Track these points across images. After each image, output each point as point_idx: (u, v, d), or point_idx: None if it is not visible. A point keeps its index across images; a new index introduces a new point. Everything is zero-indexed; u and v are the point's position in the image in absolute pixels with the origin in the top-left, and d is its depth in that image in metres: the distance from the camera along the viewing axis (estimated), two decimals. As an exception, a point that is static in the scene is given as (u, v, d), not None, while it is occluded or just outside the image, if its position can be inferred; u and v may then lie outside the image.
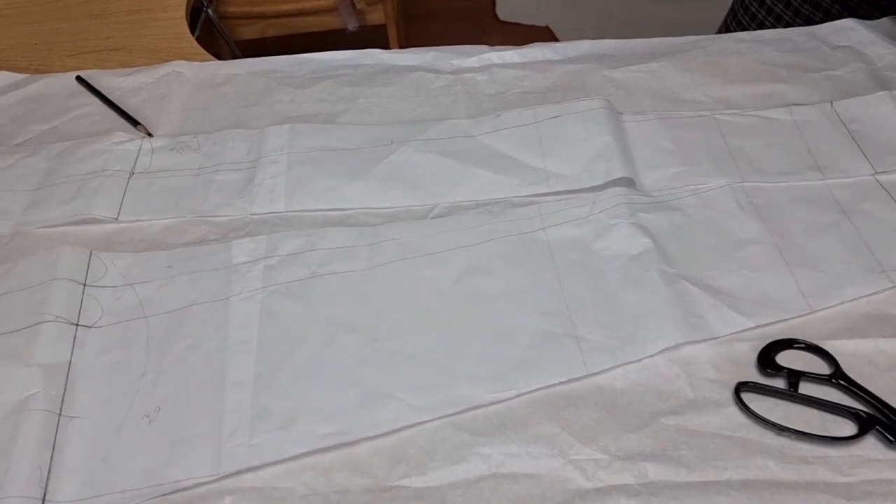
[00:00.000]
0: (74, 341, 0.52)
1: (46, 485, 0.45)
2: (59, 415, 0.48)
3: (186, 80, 0.72)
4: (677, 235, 0.56)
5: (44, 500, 0.45)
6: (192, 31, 0.81)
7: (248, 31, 1.39)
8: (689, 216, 0.57)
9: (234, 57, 0.76)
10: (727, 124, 0.64)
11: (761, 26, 0.86)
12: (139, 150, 0.65)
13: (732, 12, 0.92)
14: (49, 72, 0.74)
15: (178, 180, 0.62)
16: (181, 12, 0.81)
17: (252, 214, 0.60)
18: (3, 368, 0.49)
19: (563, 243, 0.56)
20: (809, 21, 0.82)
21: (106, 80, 0.72)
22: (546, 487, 0.45)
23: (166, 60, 0.74)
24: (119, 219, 0.60)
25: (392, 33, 1.44)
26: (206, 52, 0.77)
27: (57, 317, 0.52)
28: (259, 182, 0.62)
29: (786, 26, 0.83)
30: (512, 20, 1.84)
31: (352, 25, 1.36)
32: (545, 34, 1.75)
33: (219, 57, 0.73)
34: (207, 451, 0.47)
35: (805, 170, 0.60)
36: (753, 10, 0.88)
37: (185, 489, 0.46)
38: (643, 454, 0.46)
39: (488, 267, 0.55)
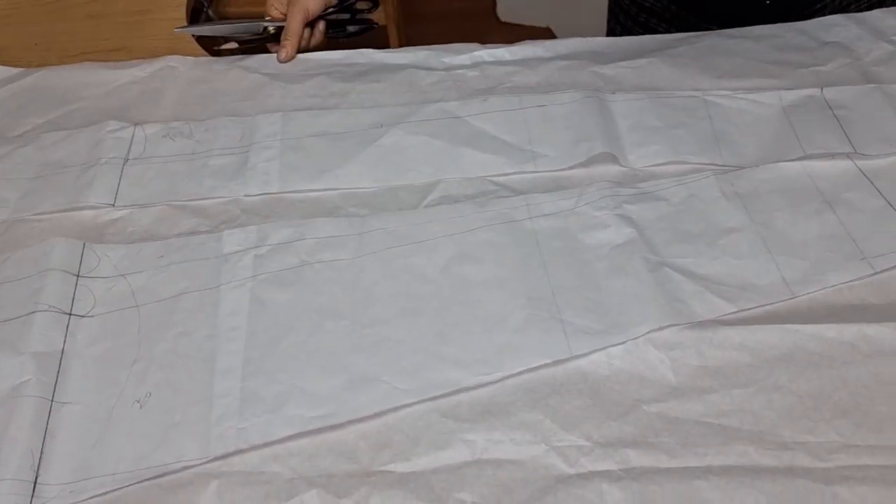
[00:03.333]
0: (67, 330, 0.52)
1: (38, 468, 0.46)
2: (52, 401, 0.49)
3: (180, 75, 0.73)
4: (661, 224, 0.57)
5: (35, 482, 0.46)
6: None
7: None
8: (673, 206, 0.58)
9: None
10: (715, 106, 0.65)
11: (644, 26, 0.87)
12: (132, 137, 0.66)
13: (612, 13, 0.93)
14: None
15: (172, 166, 0.64)
16: (181, 13, 0.81)
17: (246, 196, 0.61)
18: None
19: (549, 232, 0.57)
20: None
21: (101, 74, 0.73)
22: (529, 473, 0.46)
23: (167, 61, 0.75)
24: (116, 204, 0.61)
25: (392, 34, 1.44)
26: (206, 53, 0.78)
27: (50, 306, 0.53)
28: (252, 166, 0.63)
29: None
30: (512, 21, 1.84)
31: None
32: (546, 35, 1.75)
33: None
34: (196, 435, 0.48)
35: (788, 152, 0.61)
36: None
37: (173, 472, 0.46)
38: (625, 441, 0.47)
39: (475, 255, 0.56)
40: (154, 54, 0.76)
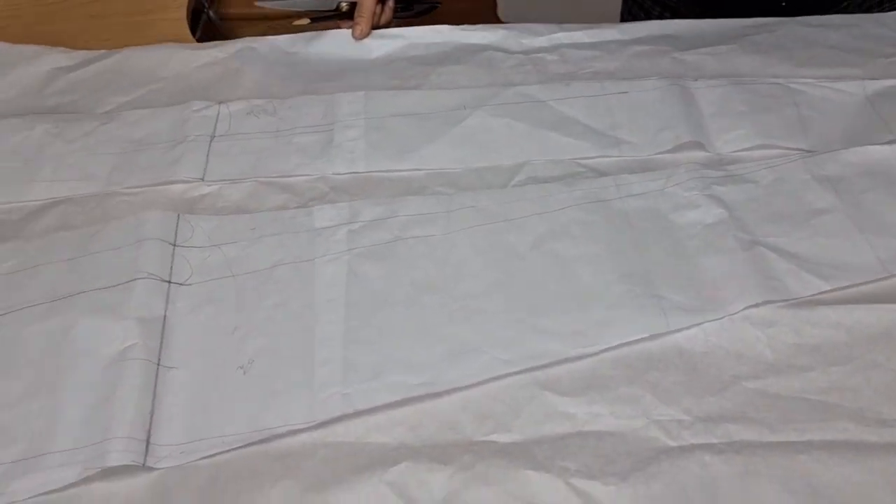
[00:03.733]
0: (167, 297, 0.53)
1: (150, 428, 0.47)
2: (158, 365, 0.50)
3: (259, 56, 0.74)
4: (752, 205, 0.57)
5: (148, 441, 0.46)
6: (194, 33, 0.82)
7: (249, 33, 1.39)
8: (762, 187, 0.58)
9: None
10: (800, 93, 0.65)
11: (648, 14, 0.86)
12: (217, 115, 0.67)
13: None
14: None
15: (257, 142, 0.64)
16: (182, 13, 0.81)
17: (334, 174, 0.62)
18: (101, 321, 0.51)
19: (640, 212, 0.57)
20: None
21: (181, 55, 0.74)
22: (631, 445, 0.46)
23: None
24: (205, 179, 0.62)
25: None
26: None
27: (150, 274, 0.53)
28: (338, 144, 0.64)
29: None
30: (513, 21, 1.84)
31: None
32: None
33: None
34: (301, 400, 0.48)
35: (875, 138, 0.61)
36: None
37: (280, 436, 0.47)
38: (725, 416, 0.47)
39: (566, 232, 0.56)
40: (157, 54, 0.76)
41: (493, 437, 0.47)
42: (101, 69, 0.73)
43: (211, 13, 1.16)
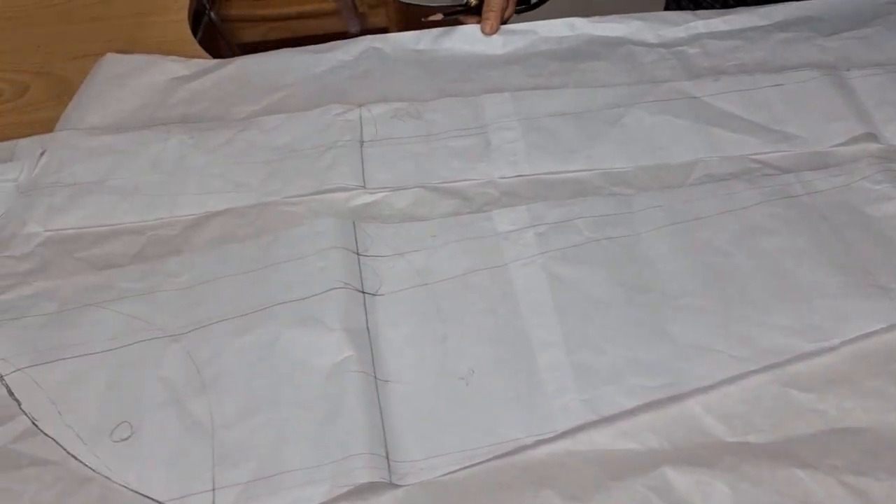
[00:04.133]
0: (365, 308, 0.50)
1: (386, 444, 0.43)
2: (375, 378, 0.46)
3: (385, 56, 0.72)
4: None
5: (387, 458, 0.43)
6: (195, 34, 0.80)
7: (251, 34, 1.39)
8: None
9: None
10: None
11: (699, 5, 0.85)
12: (360, 119, 0.64)
13: None
14: (50, 75, 0.73)
15: (411, 147, 0.62)
16: (183, 15, 0.80)
17: (501, 178, 0.59)
18: (311, 332, 0.48)
19: (832, 206, 0.56)
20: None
21: (303, 59, 0.71)
22: (891, 440, 0.44)
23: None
24: (367, 186, 0.59)
25: None
26: (208, 56, 0.76)
27: (345, 283, 0.50)
28: (497, 147, 0.61)
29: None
30: (514, 22, 1.84)
31: (354, 28, 1.36)
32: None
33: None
34: (537, 408, 0.45)
35: None
36: None
37: (526, 448, 0.44)
38: None
39: (764, 227, 0.54)
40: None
41: (749, 439, 0.44)
42: (220, 78, 0.70)
43: (212, 15, 1.14)
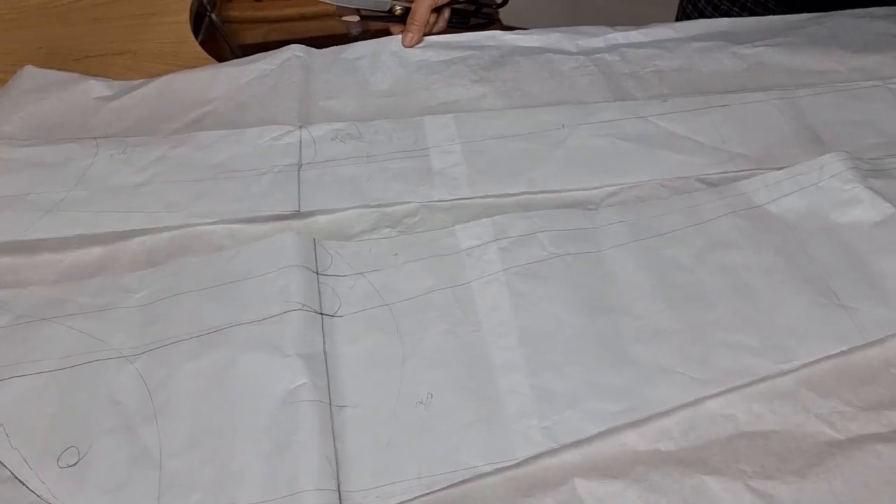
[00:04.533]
0: (323, 330, 0.49)
1: (338, 475, 0.43)
2: (330, 404, 0.46)
3: (308, 65, 0.70)
4: None
5: (339, 490, 0.42)
6: (196, 36, 0.80)
7: (251, 36, 1.38)
8: None
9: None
10: None
11: (717, 8, 0.87)
12: (300, 141, 0.62)
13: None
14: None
15: (350, 169, 0.60)
16: (185, 16, 0.80)
17: (440, 200, 0.58)
18: (264, 358, 0.47)
19: (799, 214, 0.55)
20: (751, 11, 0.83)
21: (224, 73, 0.70)
22: (800, 442, 0.44)
23: (170, 64, 0.73)
24: (301, 210, 0.57)
25: None
26: (209, 57, 0.76)
27: (303, 305, 0.49)
28: (439, 170, 0.60)
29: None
30: (516, 25, 1.84)
31: (354, 30, 1.36)
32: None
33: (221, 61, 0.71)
34: (496, 435, 0.45)
35: None
36: None
37: (484, 475, 0.43)
38: (884, 403, 0.46)
39: (727, 241, 0.54)
40: (159, 57, 0.75)
41: (660, 446, 0.45)
42: (145, 95, 0.67)
43: (213, 16, 1.13)
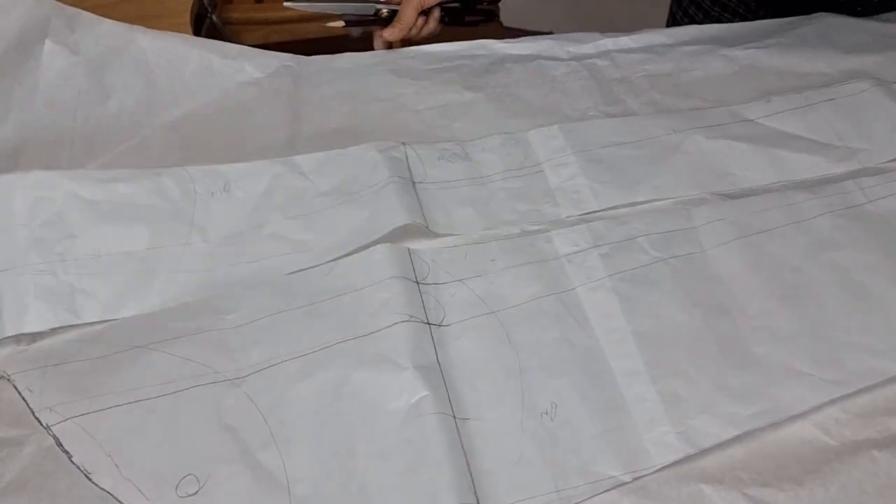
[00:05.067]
0: (433, 341, 0.47)
1: (475, 490, 0.41)
2: (454, 417, 0.44)
3: (298, 75, 0.68)
4: None
5: (478, 506, 0.40)
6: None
7: (252, 37, 1.37)
8: None
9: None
10: None
11: (707, 14, 0.86)
12: (406, 157, 0.59)
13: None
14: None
15: (467, 191, 0.57)
16: (186, 18, 0.79)
17: (567, 217, 0.56)
18: (380, 373, 0.45)
19: None
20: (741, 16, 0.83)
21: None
22: (795, 448, 0.44)
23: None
24: (429, 226, 0.54)
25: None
26: None
27: (410, 316, 0.47)
28: (558, 185, 0.58)
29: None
30: (516, 26, 1.83)
31: (356, 32, 1.35)
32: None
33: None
34: (629, 443, 0.43)
35: None
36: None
37: (623, 484, 0.41)
38: (878, 410, 0.45)
39: (832, 240, 0.53)
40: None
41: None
42: None
43: (214, 18, 1.12)
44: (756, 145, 0.60)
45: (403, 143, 0.60)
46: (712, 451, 0.43)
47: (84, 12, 0.67)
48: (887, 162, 0.60)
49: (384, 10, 0.71)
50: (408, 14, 0.70)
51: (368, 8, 0.72)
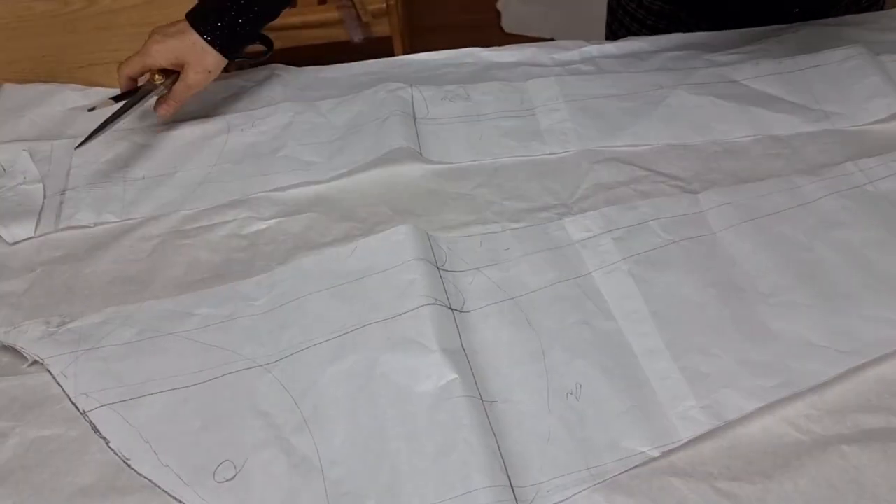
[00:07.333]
0: (457, 325, 0.48)
1: (506, 470, 0.41)
2: (482, 400, 0.44)
3: (287, 84, 0.70)
4: None
5: (511, 485, 0.41)
6: None
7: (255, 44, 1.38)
8: None
9: (240, 68, 0.73)
10: None
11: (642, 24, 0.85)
12: (412, 97, 0.65)
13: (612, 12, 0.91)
14: (57, 82, 0.71)
15: (463, 126, 0.63)
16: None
17: (551, 154, 0.61)
18: (409, 356, 0.46)
19: None
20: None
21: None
22: (766, 444, 0.44)
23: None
24: (423, 155, 0.60)
25: (397, 45, 1.40)
26: None
27: (435, 299, 0.48)
28: (548, 127, 0.63)
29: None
30: (516, 32, 1.84)
31: (357, 38, 1.34)
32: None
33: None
34: (655, 419, 0.44)
35: None
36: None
37: (653, 459, 0.42)
38: (849, 406, 0.45)
39: (838, 220, 0.54)
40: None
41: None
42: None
43: None
44: (737, 103, 0.64)
45: (411, 85, 0.66)
46: (682, 447, 0.43)
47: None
48: (865, 125, 0.62)
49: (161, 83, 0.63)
50: (183, 91, 0.63)
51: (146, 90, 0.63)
